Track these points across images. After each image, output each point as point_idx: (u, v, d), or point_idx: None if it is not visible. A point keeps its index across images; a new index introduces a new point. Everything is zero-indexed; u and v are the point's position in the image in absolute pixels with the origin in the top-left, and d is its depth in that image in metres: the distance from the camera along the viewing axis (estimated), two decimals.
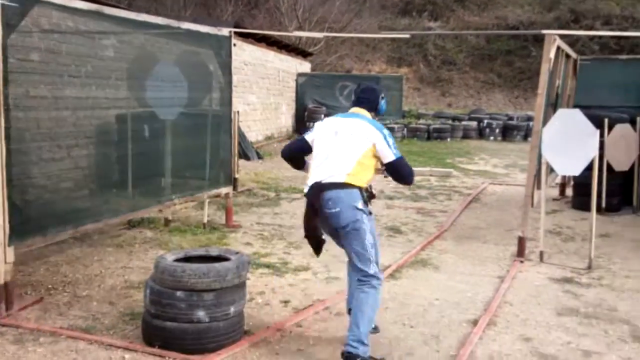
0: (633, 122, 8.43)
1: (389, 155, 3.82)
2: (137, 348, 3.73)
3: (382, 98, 4.11)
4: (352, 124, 3.88)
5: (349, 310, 3.80)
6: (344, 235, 3.73)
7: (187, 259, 4.12)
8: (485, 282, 5.32)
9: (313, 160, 3.89)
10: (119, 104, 6.04)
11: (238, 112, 9.91)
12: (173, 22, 6.41)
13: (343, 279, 5.31)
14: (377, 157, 3.83)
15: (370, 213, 3.81)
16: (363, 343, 3.49)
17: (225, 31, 7.25)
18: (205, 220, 7.03)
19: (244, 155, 12.96)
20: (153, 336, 3.77)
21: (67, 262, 5.52)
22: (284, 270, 5.52)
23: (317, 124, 4.08)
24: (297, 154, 4.08)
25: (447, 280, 5.37)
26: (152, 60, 6.20)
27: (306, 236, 3.91)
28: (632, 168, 8.33)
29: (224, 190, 7.17)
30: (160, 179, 6.39)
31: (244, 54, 15.71)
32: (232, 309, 3.81)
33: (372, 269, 3.68)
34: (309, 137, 3.99)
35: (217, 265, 3.87)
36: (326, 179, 3.68)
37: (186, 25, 6.61)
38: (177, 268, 3.79)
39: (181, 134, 6.62)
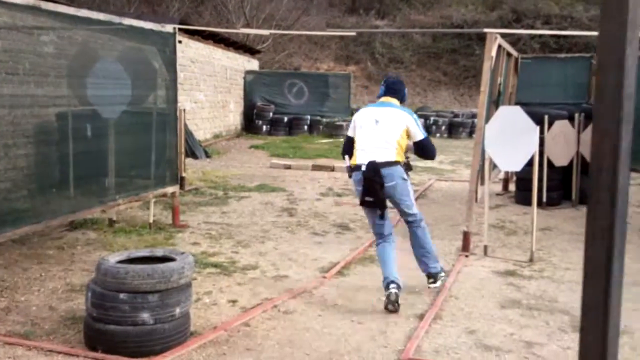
0: (571, 119, 8.71)
1: (419, 135, 4.90)
2: (78, 353, 3.62)
3: (406, 88, 5.25)
4: (388, 112, 4.90)
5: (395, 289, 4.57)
6: (397, 198, 4.93)
7: (131, 261, 4.02)
8: None
9: (359, 143, 4.87)
10: (59, 102, 5.84)
11: (184, 110, 9.77)
12: (115, 18, 6.25)
13: (291, 276, 5.32)
14: (409, 137, 4.87)
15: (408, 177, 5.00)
16: (437, 261, 5.06)
17: (169, 27, 7.13)
18: (151, 220, 6.89)
19: (191, 153, 12.78)
20: (95, 340, 3.67)
21: (5, 266, 5.31)
22: (232, 269, 5.46)
23: (356, 116, 5.11)
24: (350, 149, 5.03)
25: None
26: (94, 57, 6.03)
27: (362, 203, 4.94)
28: (571, 163, 8.62)
29: (170, 189, 7.05)
30: (103, 178, 6.23)
31: (190, 51, 15.49)
32: (177, 310, 3.74)
33: (416, 210, 5.05)
34: (351, 132, 5.09)
35: (161, 266, 3.79)
36: (379, 159, 4.73)
37: (128, 22, 6.46)
38: (120, 270, 3.70)
39: (125, 133, 6.47)
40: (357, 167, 4.83)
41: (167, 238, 6.46)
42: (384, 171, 4.71)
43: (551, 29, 27.79)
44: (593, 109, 0.70)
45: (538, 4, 30.21)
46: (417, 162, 13.75)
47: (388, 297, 4.52)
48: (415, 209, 5.03)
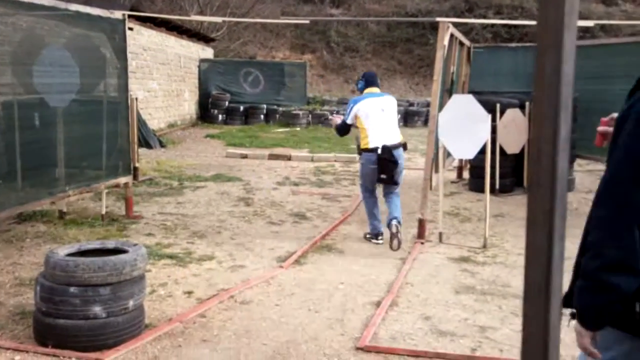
0: (522, 107, 8.90)
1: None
2: (28, 349, 3.52)
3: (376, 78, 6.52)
4: (387, 100, 6.35)
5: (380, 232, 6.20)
6: (398, 173, 6.06)
7: (82, 253, 3.93)
8: (388, 265, 5.45)
9: (371, 130, 6.02)
10: (4, 90, 5.63)
11: (137, 98, 9.57)
12: (60, 4, 6.05)
13: (248, 266, 5.30)
14: None
15: None
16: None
17: (118, 14, 6.96)
18: (103, 212, 6.74)
19: (145, 143, 12.55)
20: (45, 335, 3.58)
21: None
22: (187, 260, 5.40)
23: (359, 106, 6.13)
24: (346, 133, 6.54)
25: (351, 264, 5.46)
26: (40, 44, 5.83)
27: (380, 180, 6.06)
28: (522, 151, 8.81)
29: (123, 179, 6.90)
30: (52, 169, 6.04)
31: (142, 38, 15.16)
32: (131, 303, 3.67)
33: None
34: (350, 120, 6.22)
35: (113, 258, 3.72)
36: (391, 142, 5.99)
37: (75, 7, 6.25)
38: (70, 263, 3.61)
39: (75, 122, 6.29)
40: (372, 150, 5.99)
41: (120, 230, 6.34)
42: (395, 152, 6.02)
43: (502, 19, 28.24)
44: (533, 94, 0.70)
45: None
46: None
47: (390, 228, 5.97)
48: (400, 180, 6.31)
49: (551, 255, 0.66)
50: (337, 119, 6.64)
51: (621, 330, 1.81)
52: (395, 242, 5.89)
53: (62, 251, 3.84)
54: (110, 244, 4.14)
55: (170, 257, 5.47)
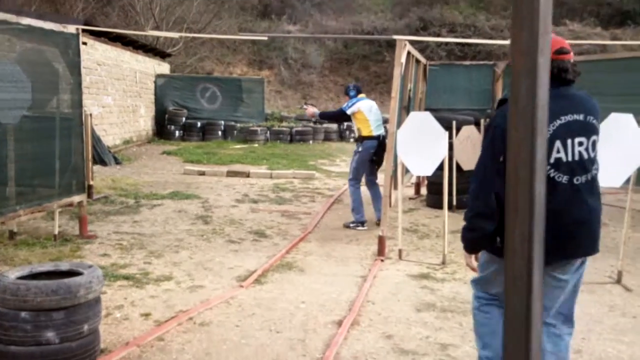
0: (477, 124, 9.06)
1: None
2: None
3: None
4: (372, 103, 7.94)
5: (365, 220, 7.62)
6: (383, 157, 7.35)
7: (34, 276, 3.79)
8: (349, 282, 5.43)
9: (372, 122, 7.64)
10: None
11: (91, 114, 9.37)
12: (12, 17, 5.89)
13: (207, 286, 5.20)
14: None
15: None
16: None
17: (72, 28, 6.81)
18: (56, 232, 6.53)
19: (99, 160, 12.28)
20: None
21: None
22: (144, 281, 5.27)
23: (361, 104, 7.69)
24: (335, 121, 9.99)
25: (312, 282, 5.42)
26: None
27: (370, 160, 7.66)
28: None
29: (77, 198, 6.71)
30: (2, 188, 5.83)
31: (96, 53, 14.90)
32: (85, 327, 3.54)
33: None
34: (350, 111, 7.70)
35: (67, 280, 3.58)
36: (382, 133, 7.62)
37: (27, 21, 6.10)
38: (21, 286, 3.46)
39: (26, 139, 6.10)
40: (375, 137, 7.60)
41: (74, 250, 6.15)
42: (386, 142, 7.17)
43: (456, 37, 28.90)
44: (508, 118, 0.69)
45: (443, 13, 31.36)
46: (332, 168, 13.91)
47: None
48: None
49: (531, 284, 0.65)
50: (312, 109, 8.41)
51: (492, 254, 2.92)
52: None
53: (13, 274, 3.68)
54: (64, 265, 3.99)
55: (127, 278, 5.32)
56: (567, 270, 2.91)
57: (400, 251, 6.31)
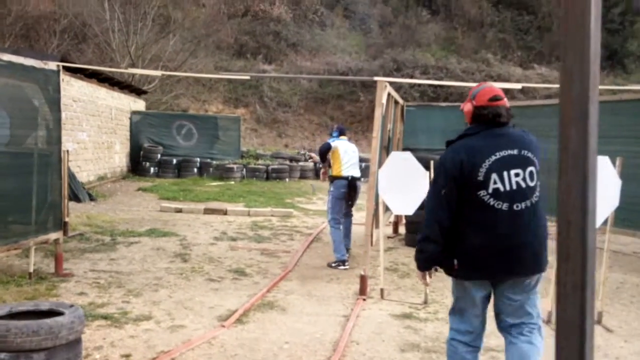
0: None
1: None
2: None
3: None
4: (353, 146, 8.34)
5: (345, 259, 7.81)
6: (356, 197, 8.18)
7: (12, 316, 3.69)
8: (332, 322, 5.39)
9: (344, 163, 7.99)
10: None
11: (68, 151, 9.27)
12: None
13: (188, 326, 5.11)
14: None
15: None
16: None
17: (52, 65, 6.79)
18: (31, 270, 6.38)
19: (74, 196, 12.09)
20: None
21: None
22: (123, 320, 5.15)
23: (338, 143, 8.11)
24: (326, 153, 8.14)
25: (295, 322, 5.36)
26: None
27: (344, 198, 8.03)
28: None
29: (53, 235, 6.59)
30: None
31: (72, 89, 14.82)
32: None
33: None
34: (333, 144, 8.10)
35: (48, 321, 3.51)
36: (355, 174, 8.02)
37: (7, 57, 6.07)
38: (0, 326, 3.37)
39: (2, 175, 6.00)
40: (344, 177, 7.94)
41: (50, 289, 6.00)
42: (357, 183, 8.06)
43: (428, 78, 29.49)
44: (560, 165, 0.72)
45: (416, 55, 32.05)
46: (309, 206, 13.92)
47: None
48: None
49: (584, 333, 0.66)
50: (315, 156, 9.52)
51: (453, 277, 3.41)
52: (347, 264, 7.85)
53: None
54: (44, 305, 3.90)
55: (105, 317, 5.21)
56: (517, 292, 3.32)
57: (382, 290, 6.30)
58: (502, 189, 3.21)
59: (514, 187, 3.23)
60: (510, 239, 3.21)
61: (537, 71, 31.91)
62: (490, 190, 3.21)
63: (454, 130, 11.51)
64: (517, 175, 3.23)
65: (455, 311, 3.50)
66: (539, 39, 34.92)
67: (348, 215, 8.23)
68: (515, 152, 3.26)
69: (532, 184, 3.25)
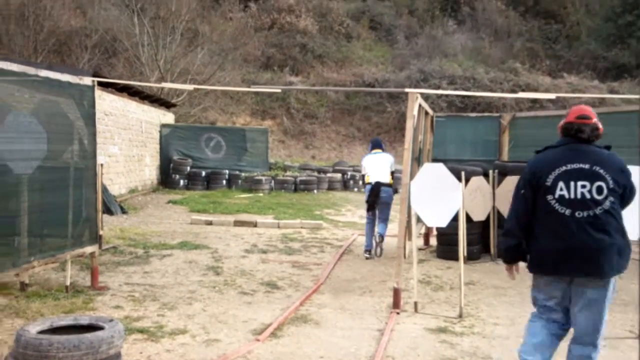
0: (486, 175, 9.09)
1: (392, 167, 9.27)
2: None
3: (381, 142, 9.79)
4: (381, 156, 9.31)
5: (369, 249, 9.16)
6: (380, 202, 9.02)
7: (54, 330, 3.73)
8: (366, 336, 5.35)
9: (368, 172, 9.18)
10: None
11: (102, 164, 9.40)
12: (30, 69, 5.97)
13: (223, 340, 5.11)
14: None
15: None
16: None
17: (87, 80, 6.90)
18: (67, 283, 6.46)
19: (106, 209, 12.24)
20: None
21: None
22: (159, 334, 5.17)
23: (366, 158, 9.43)
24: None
25: (329, 336, 5.33)
26: (5, 110, 5.68)
27: (369, 205, 9.12)
28: (488, 218, 8.94)
29: (89, 249, 6.67)
30: (16, 239, 5.79)
31: (104, 103, 15.07)
32: None
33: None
34: (363, 160, 9.56)
35: (89, 335, 3.54)
36: (378, 180, 8.99)
37: (45, 73, 6.18)
38: (43, 341, 3.42)
39: (40, 189, 6.09)
40: (370, 183, 9.03)
41: (87, 302, 6.06)
42: (382, 188, 8.95)
43: (455, 88, 29.29)
44: None
45: (443, 65, 31.89)
46: (338, 218, 13.89)
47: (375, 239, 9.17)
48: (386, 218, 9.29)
49: None
50: None
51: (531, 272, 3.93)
52: (377, 249, 9.15)
53: (33, 328, 3.63)
54: (84, 319, 3.94)
55: (141, 331, 5.23)
56: (579, 292, 3.70)
57: (415, 304, 6.23)
58: (567, 196, 3.68)
59: (579, 196, 3.66)
60: (568, 241, 3.65)
61: (566, 80, 31.47)
62: (556, 196, 3.70)
63: (484, 141, 11.43)
64: (583, 186, 3.66)
65: (532, 299, 4.03)
66: (568, 48, 34.51)
67: (382, 219, 9.17)
68: (586, 166, 3.70)
69: (598, 197, 3.64)
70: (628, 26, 32.15)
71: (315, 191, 19.38)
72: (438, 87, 29.45)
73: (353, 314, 6.07)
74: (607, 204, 3.63)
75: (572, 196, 3.66)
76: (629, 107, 8.37)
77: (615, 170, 3.68)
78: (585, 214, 3.63)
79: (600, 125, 3.83)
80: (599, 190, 3.63)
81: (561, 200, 3.68)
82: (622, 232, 3.67)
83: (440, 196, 6.22)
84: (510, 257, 4.01)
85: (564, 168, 3.72)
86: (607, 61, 32.73)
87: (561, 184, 3.69)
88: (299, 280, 7.51)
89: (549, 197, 3.72)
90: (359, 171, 21.50)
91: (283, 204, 15.80)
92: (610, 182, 3.64)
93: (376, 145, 9.53)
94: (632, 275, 7.62)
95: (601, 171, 3.65)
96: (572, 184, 3.67)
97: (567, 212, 3.65)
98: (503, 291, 7.10)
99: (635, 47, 31.70)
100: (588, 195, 3.64)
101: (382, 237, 9.13)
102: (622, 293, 6.69)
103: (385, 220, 9.20)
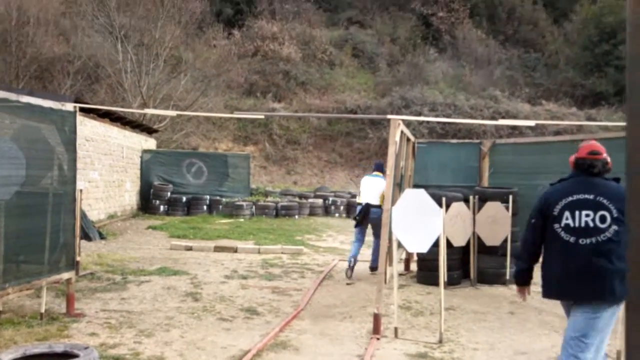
0: (466, 201, 9.16)
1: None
2: None
3: (383, 166, 9.36)
4: (374, 180, 9.71)
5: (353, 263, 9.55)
6: (369, 219, 9.53)
7: (27, 358, 3.66)
8: None
9: (361, 194, 9.74)
10: None
11: (81, 190, 9.31)
12: (11, 95, 5.95)
13: None
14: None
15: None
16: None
17: (69, 106, 6.88)
18: (42, 310, 6.35)
19: (84, 235, 12.10)
20: None
21: None
22: None
23: (362, 180, 10.00)
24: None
25: None
26: None
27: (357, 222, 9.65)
28: (468, 243, 8.99)
29: (65, 275, 6.57)
30: None
31: (85, 129, 14.98)
32: None
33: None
34: (361, 181, 10.06)
35: None
36: (367, 201, 9.55)
37: (26, 99, 6.16)
38: None
39: (17, 215, 6.02)
40: (360, 204, 9.65)
41: (61, 329, 5.95)
42: (372, 209, 9.42)
43: (436, 115, 29.60)
44: (628, 214, 0.71)
45: (424, 92, 32.27)
46: (319, 243, 13.86)
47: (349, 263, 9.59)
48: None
49: None
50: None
51: (543, 297, 4.19)
52: (347, 272, 9.51)
53: (6, 357, 3.56)
54: (59, 347, 3.87)
55: (117, 358, 5.15)
56: (579, 315, 3.92)
57: (396, 329, 6.22)
58: (572, 224, 3.97)
59: (582, 224, 3.94)
60: (570, 266, 3.93)
61: (545, 107, 31.99)
62: (562, 224, 3.99)
63: (464, 167, 11.55)
64: (587, 215, 3.93)
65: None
66: (547, 76, 35.14)
67: (375, 236, 9.52)
68: (591, 196, 3.97)
69: (601, 225, 3.90)
70: (605, 55, 32.88)
71: (296, 217, 19.34)
72: (419, 114, 29.73)
73: (333, 340, 6.03)
74: (610, 232, 3.88)
75: (577, 225, 3.94)
76: (617, 134, 8.48)
77: (619, 200, 3.91)
78: (588, 241, 3.90)
79: (609, 160, 4.10)
80: (602, 219, 3.90)
81: (566, 228, 3.97)
82: (625, 258, 3.89)
83: (421, 222, 6.25)
84: (520, 280, 4.35)
85: (570, 199, 4.01)
86: (584, 89, 33.37)
87: (567, 213, 3.97)
88: (279, 306, 7.46)
89: (556, 225, 4.02)
90: (341, 197, 21.59)
91: (264, 229, 15.75)
92: (614, 211, 3.89)
93: (377, 168, 10.06)
94: None
95: (604, 201, 3.92)
96: (577, 213, 3.95)
97: (572, 239, 3.93)
98: (483, 316, 7.11)
99: (612, 75, 32.39)
100: (592, 224, 3.91)
101: (353, 258, 9.61)
102: None
103: (378, 236, 9.27)
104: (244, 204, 19.13)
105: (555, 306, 7.41)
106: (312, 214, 20.18)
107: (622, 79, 31.89)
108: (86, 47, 27.01)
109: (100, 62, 26.38)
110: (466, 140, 12.60)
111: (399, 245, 7.33)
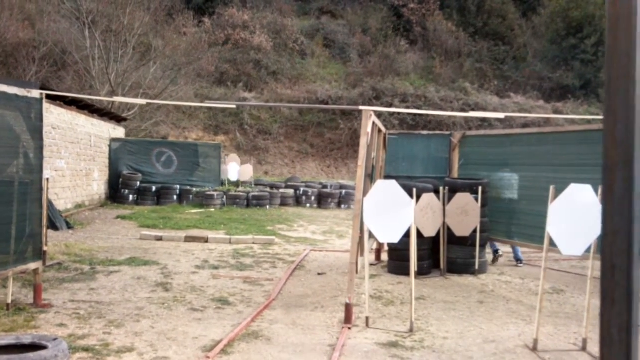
0: (437, 192, 9.25)
1: None
2: None
3: None
4: None
5: None
6: None
7: None
8: (318, 351, 5.33)
9: None
10: None
11: (48, 179, 9.13)
12: None
13: (172, 357, 5.01)
14: None
15: None
16: None
17: (35, 93, 6.73)
18: (9, 301, 6.22)
19: (51, 225, 11.88)
20: None
21: None
22: (105, 353, 5.03)
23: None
24: None
25: (280, 352, 5.29)
26: None
27: None
28: (438, 234, 9.09)
29: (32, 265, 6.45)
30: None
31: (51, 117, 14.68)
32: None
33: None
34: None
35: (31, 355, 3.42)
36: None
37: None
38: None
39: None
40: None
41: (29, 320, 5.85)
42: None
43: (407, 107, 29.82)
44: (603, 208, 0.72)
45: (395, 83, 32.43)
46: (291, 233, 13.86)
47: None
48: None
49: None
50: None
51: None
52: None
53: None
54: (26, 338, 3.80)
55: (86, 349, 5.08)
56: None
57: (367, 319, 6.26)
58: None
59: None
60: None
61: (513, 100, 32.44)
62: None
63: (435, 158, 11.67)
64: None
65: None
66: (515, 69, 35.60)
67: None
68: None
69: None
70: (572, 49, 33.45)
71: (267, 207, 19.30)
72: (390, 105, 29.88)
73: (305, 330, 6.05)
74: None
75: None
76: (592, 127, 8.63)
77: None
78: None
79: None
80: None
81: None
82: None
83: (392, 212, 6.29)
84: None
85: None
86: (552, 82, 33.92)
87: None
88: (250, 296, 7.44)
89: None
90: (312, 187, 21.59)
91: (235, 219, 15.68)
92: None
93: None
94: (573, 289, 7.87)
95: None
96: None
97: None
98: (452, 306, 7.21)
99: (578, 69, 32.97)
100: None
101: None
102: (566, 306, 6.89)
103: None
104: (215, 193, 19.01)
105: (522, 295, 7.59)
106: (283, 204, 20.16)
107: (588, 73, 32.55)
108: (52, 32, 26.40)
109: (67, 48, 25.83)
110: (437, 132, 12.69)
111: (370, 235, 7.38)
